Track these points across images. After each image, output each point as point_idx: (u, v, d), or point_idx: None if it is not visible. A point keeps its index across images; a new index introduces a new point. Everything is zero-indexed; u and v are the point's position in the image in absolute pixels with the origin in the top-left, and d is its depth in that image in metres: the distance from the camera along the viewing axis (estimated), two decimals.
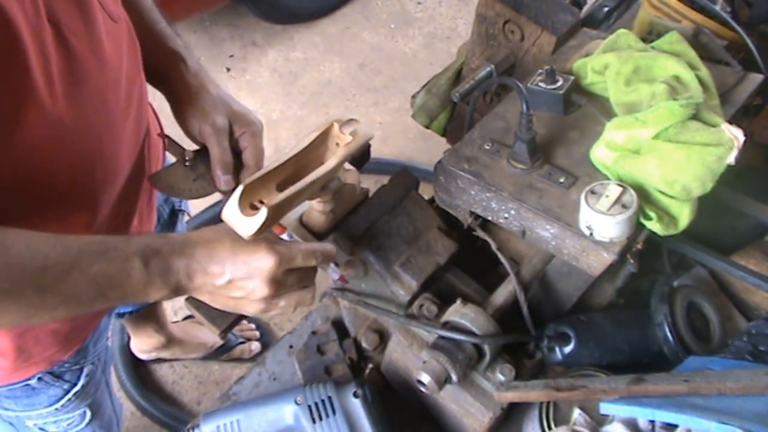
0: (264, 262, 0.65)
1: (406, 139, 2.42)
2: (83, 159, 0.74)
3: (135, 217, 0.95)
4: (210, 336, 1.83)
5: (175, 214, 1.31)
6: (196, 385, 1.87)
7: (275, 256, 0.65)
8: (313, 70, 2.68)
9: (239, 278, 0.65)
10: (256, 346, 1.88)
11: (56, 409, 1.01)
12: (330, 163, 0.70)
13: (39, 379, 0.94)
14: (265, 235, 0.67)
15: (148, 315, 1.64)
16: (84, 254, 0.62)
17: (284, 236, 0.81)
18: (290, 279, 0.68)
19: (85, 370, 1.01)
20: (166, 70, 0.88)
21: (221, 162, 0.83)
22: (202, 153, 0.85)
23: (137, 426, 1.79)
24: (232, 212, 0.65)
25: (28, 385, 0.94)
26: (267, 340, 1.92)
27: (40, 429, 1.07)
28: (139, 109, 0.87)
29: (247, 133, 0.85)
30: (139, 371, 1.85)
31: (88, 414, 1.08)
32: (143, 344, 1.76)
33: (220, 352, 1.85)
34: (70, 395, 1.00)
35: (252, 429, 0.77)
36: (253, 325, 1.93)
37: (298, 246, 0.68)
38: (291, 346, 0.93)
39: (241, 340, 1.88)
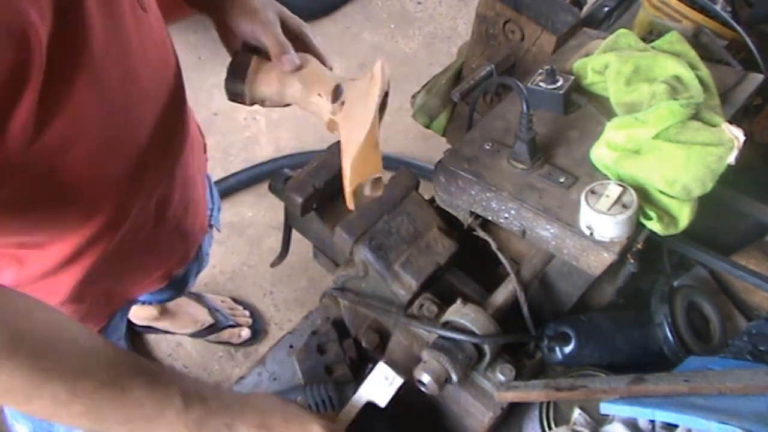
0: None
1: (406, 139, 2.42)
2: (106, 150, 0.73)
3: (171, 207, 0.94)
4: (201, 314, 1.85)
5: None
6: None
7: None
8: None
9: None
10: (246, 332, 1.88)
11: None
12: (373, 105, 0.71)
13: None
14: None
15: None
16: (128, 372, 0.60)
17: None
18: None
19: None
20: None
21: (281, 45, 0.79)
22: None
23: None
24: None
25: None
26: (258, 327, 1.92)
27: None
28: (174, 105, 0.85)
29: (298, 28, 0.84)
30: None
31: None
32: (138, 311, 1.79)
33: (209, 332, 1.86)
34: None
35: None
36: (247, 312, 1.93)
37: (344, 420, 0.70)
38: (291, 346, 0.93)
39: (232, 323, 1.88)
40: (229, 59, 0.83)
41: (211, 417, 0.62)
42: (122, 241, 0.84)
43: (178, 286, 1.42)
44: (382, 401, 0.75)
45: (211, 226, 1.28)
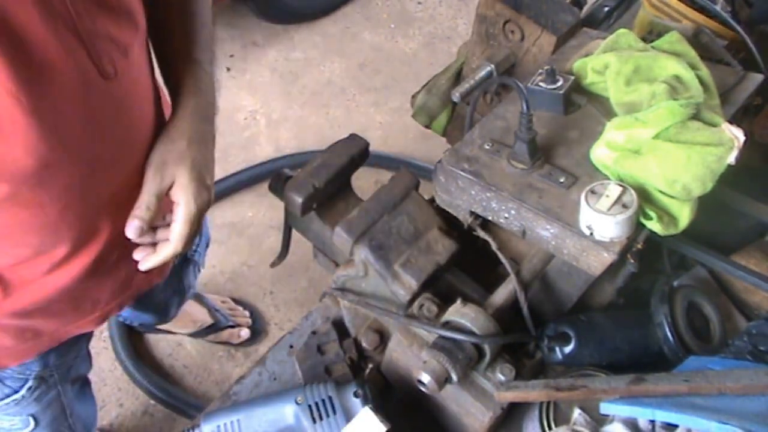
0: None
1: (406, 139, 2.42)
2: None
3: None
4: (200, 314, 1.85)
5: (187, 262, 1.29)
6: (195, 384, 1.87)
7: None
8: (314, 70, 2.68)
9: None
10: (245, 332, 1.88)
11: None
12: None
13: None
14: None
15: None
16: None
17: None
18: None
19: (30, 383, 0.98)
20: (178, 78, 0.85)
21: (142, 202, 0.78)
22: None
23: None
24: None
25: None
26: (258, 328, 1.92)
27: None
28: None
29: (180, 207, 0.80)
30: (142, 371, 1.85)
31: (32, 423, 1.06)
32: None
33: (208, 332, 1.86)
34: (8, 400, 0.98)
35: (252, 429, 0.77)
36: (247, 312, 1.93)
37: None
38: (291, 346, 0.93)
39: (231, 323, 1.88)
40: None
41: None
42: (81, 276, 0.83)
43: (159, 313, 1.42)
44: None
45: (188, 259, 1.27)
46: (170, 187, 0.79)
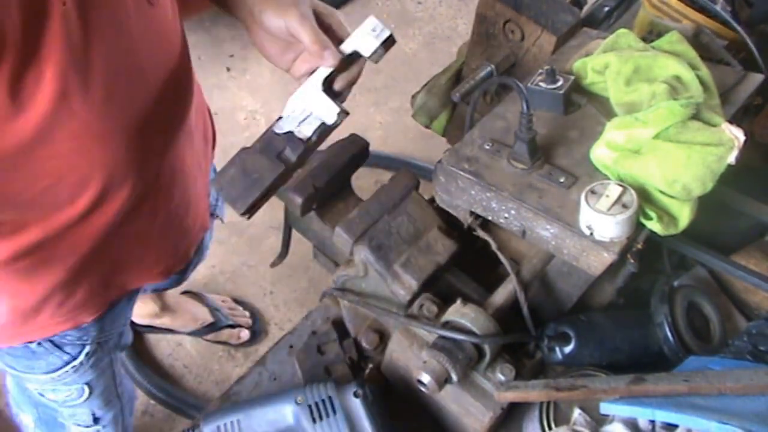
0: None
1: (406, 139, 2.42)
2: (97, 132, 0.72)
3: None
4: (201, 312, 1.85)
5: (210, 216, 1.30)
6: (195, 384, 1.87)
7: None
8: None
9: None
10: (245, 333, 1.88)
11: (53, 378, 1.02)
12: None
13: (39, 344, 0.95)
14: None
15: None
16: None
17: None
18: None
19: (87, 348, 1.01)
20: None
21: (320, 42, 0.78)
22: None
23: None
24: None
25: (28, 347, 0.95)
26: (258, 329, 1.92)
27: (40, 394, 1.09)
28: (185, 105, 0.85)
29: (330, 18, 0.82)
30: (142, 371, 1.86)
31: (86, 391, 1.09)
32: (139, 309, 1.78)
33: (208, 331, 1.86)
34: (68, 368, 1.01)
35: (252, 429, 0.77)
36: (247, 313, 1.93)
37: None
38: (291, 346, 0.93)
39: (231, 323, 1.88)
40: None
41: None
42: (116, 224, 0.84)
43: (180, 272, 1.43)
44: (367, 51, 0.79)
45: (213, 215, 1.28)
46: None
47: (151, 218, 0.90)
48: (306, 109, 0.79)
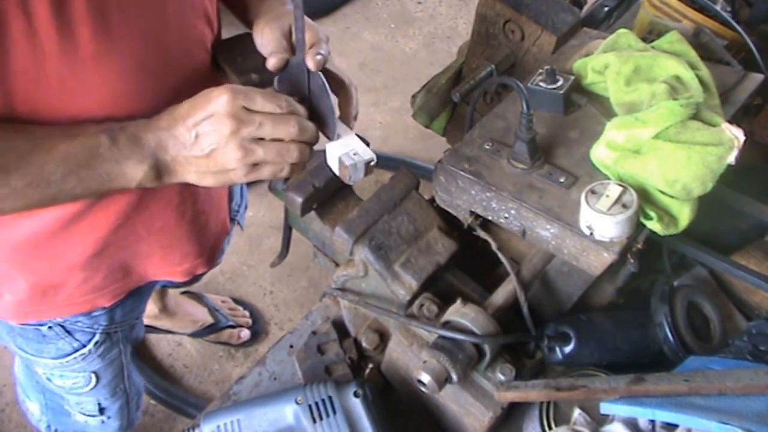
0: (217, 97, 0.65)
1: (406, 139, 2.42)
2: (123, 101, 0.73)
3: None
4: (201, 314, 1.86)
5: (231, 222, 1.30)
6: (195, 384, 1.87)
7: (227, 90, 0.65)
8: None
9: (201, 123, 0.65)
10: (245, 333, 1.89)
11: (62, 363, 1.03)
12: None
13: (50, 327, 0.96)
14: None
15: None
16: (48, 136, 0.64)
17: None
18: (264, 128, 0.66)
19: (96, 337, 1.02)
20: None
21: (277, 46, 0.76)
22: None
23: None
24: None
25: (39, 330, 0.96)
26: (258, 329, 1.92)
27: (47, 379, 1.10)
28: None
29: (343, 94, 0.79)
30: (142, 371, 1.86)
31: (93, 380, 1.10)
32: None
33: (208, 332, 1.86)
34: (76, 354, 1.02)
35: (252, 429, 0.77)
36: (247, 312, 1.94)
37: (256, 89, 0.68)
38: (291, 346, 0.93)
39: (232, 323, 1.88)
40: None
41: (139, 135, 0.67)
42: (138, 212, 0.85)
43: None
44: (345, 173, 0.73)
45: (233, 221, 1.28)
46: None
47: (179, 215, 0.92)
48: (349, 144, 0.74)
